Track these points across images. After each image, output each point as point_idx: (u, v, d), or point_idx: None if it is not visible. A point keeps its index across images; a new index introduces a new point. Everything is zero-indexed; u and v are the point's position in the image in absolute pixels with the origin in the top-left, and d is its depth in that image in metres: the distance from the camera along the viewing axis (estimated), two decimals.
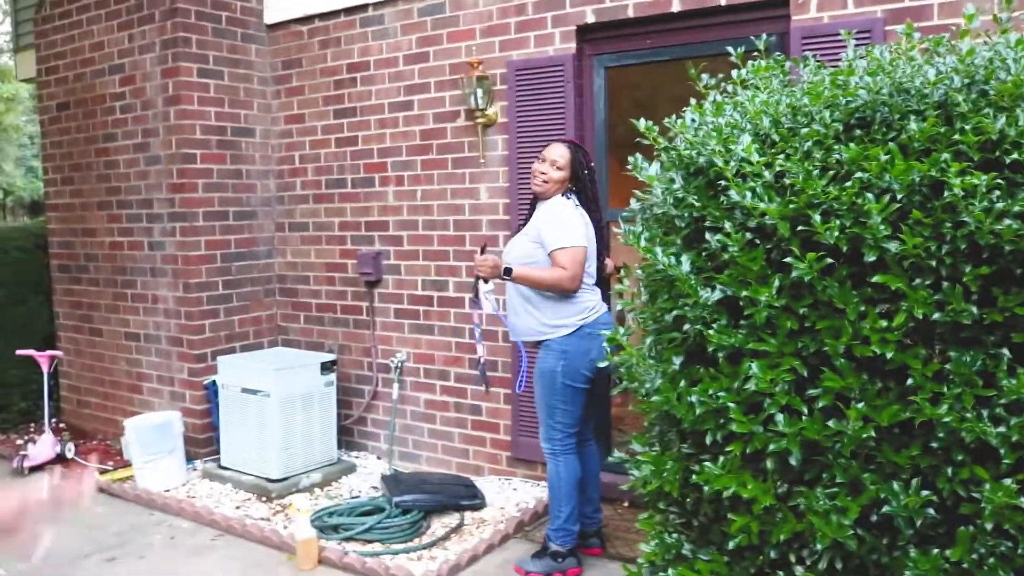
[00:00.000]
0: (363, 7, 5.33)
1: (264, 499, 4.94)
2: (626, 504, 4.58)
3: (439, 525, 4.39)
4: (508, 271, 3.68)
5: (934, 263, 1.83)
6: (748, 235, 2.04)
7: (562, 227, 3.72)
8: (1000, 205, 1.76)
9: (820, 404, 1.91)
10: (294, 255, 5.89)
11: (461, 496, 4.60)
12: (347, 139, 5.53)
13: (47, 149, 6.54)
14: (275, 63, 5.84)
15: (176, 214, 5.52)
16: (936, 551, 1.83)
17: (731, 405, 1.99)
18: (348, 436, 5.69)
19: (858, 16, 3.84)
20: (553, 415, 3.79)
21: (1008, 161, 1.84)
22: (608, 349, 2.35)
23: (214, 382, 5.46)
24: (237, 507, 4.83)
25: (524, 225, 3.95)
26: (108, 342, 6.17)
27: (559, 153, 3.82)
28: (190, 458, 5.49)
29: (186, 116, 5.43)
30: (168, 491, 5.09)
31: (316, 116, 5.67)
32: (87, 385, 6.42)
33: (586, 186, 3.88)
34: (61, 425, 6.56)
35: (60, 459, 5.70)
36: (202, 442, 5.62)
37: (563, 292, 3.70)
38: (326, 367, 5.27)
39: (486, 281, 3.84)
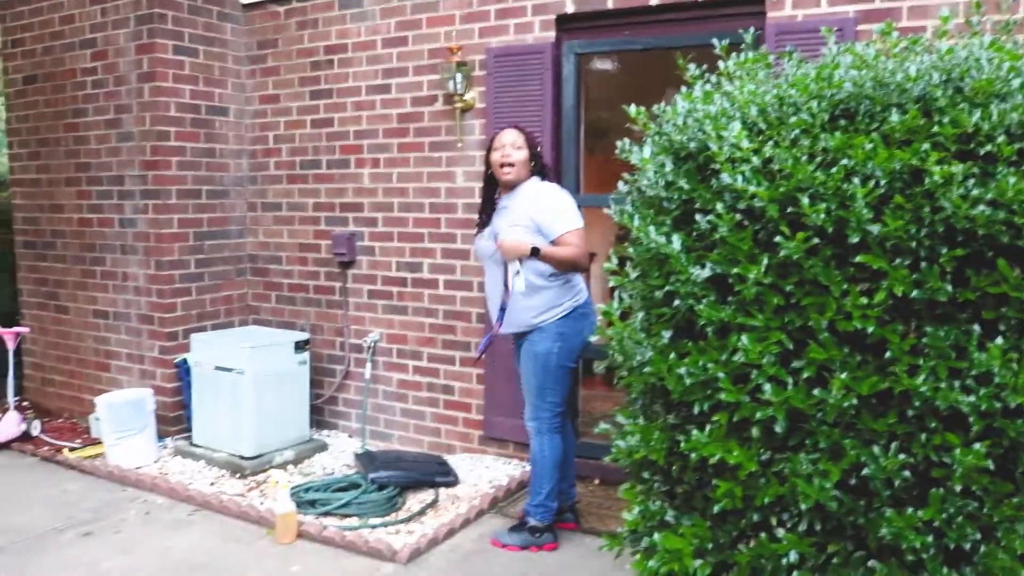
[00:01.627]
0: None
1: (238, 476, 4.99)
2: (597, 482, 4.71)
3: (415, 501, 4.49)
4: (536, 251, 3.66)
5: (913, 244, 1.97)
6: (737, 216, 2.17)
7: (562, 209, 3.79)
8: (975, 192, 1.91)
9: (805, 375, 2.04)
10: (266, 235, 5.92)
11: (435, 473, 4.69)
12: (323, 120, 5.57)
13: (12, 123, 6.46)
14: (251, 43, 5.86)
15: (149, 191, 5.52)
16: (910, 511, 1.97)
17: (720, 375, 2.12)
18: (320, 415, 5.75)
19: (831, 15, 3.99)
20: (544, 395, 3.87)
21: (982, 152, 1.99)
22: (599, 325, 2.46)
23: (186, 360, 5.47)
24: (211, 483, 4.87)
25: (486, 221, 3.95)
26: (75, 320, 6.14)
27: (511, 136, 3.87)
28: (161, 436, 5.50)
29: (161, 93, 5.42)
30: (140, 468, 5.11)
31: (291, 97, 5.70)
32: (52, 363, 6.38)
33: (545, 166, 3.97)
34: (24, 403, 6.50)
35: (26, 437, 5.68)
36: (172, 420, 5.64)
37: (577, 271, 3.84)
38: (300, 346, 5.32)
39: (520, 261, 3.75)
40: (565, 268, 3.79)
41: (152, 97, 5.43)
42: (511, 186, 3.89)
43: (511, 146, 3.84)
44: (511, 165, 3.83)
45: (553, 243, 3.74)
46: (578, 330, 3.85)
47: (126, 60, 5.55)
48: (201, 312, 5.76)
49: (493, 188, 3.99)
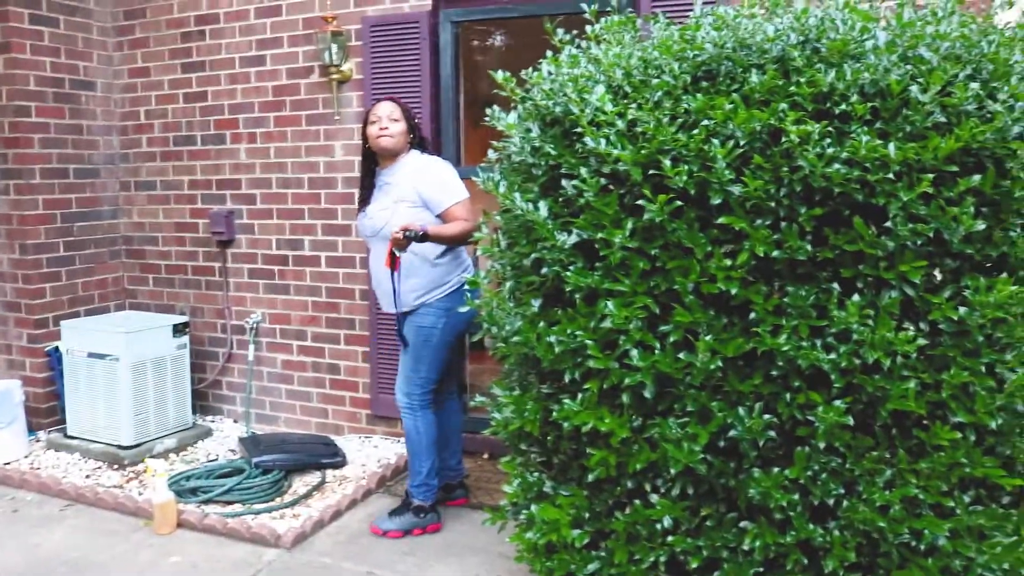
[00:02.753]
0: None
1: (116, 467, 4.77)
2: (486, 456, 4.68)
3: (300, 484, 4.37)
4: (424, 235, 3.46)
5: (773, 204, 1.97)
6: (602, 181, 2.14)
7: (448, 182, 3.71)
8: (831, 151, 1.92)
9: (672, 339, 2.03)
10: (141, 215, 5.66)
11: (322, 455, 4.58)
12: (196, 94, 5.34)
13: None
14: (116, 12, 5.55)
15: (10, 171, 5.20)
16: (776, 470, 1.99)
17: (589, 343, 2.09)
18: (203, 400, 5.55)
19: None
20: (419, 370, 3.77)
21: (837, 112, 2.00)
22: (469, 295, 2.41)
23: (57, 348, 5.21)
24: (87, 476, 4.65)
25: (366, 197, 3.82)
26: None
27: (387, 108, 3.75)
28: (32, 429, 5.22)
29: (17, 65, 5.10)
30: (8, 464, 4.84)
31: (162, 70, 5.44)
32: None
33: (423, 139, 3.87)
34: None
35: None
36: (44, 412, 5.36)
37: (467, 244, 3.75)
38: (178, 329, 5.11)
39: (399, 251, 3.56)
40: (456, 244, 3.71)
41: (8, 70, 5.10)
42: (391, 156, 3.76)
43: (387, 118, 3.71)
44: (389, 135, 3.70)
45: (439, 216, 3.64)
46: (454, 306, 3.72)
47: None
48: (73, 297, 5.48)
49: (372, 164, 3.85)
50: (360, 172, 3.94)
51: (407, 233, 3.44)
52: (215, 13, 5.20)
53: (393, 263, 3.57)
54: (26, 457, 4.97)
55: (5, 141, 5.18)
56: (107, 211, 5.65)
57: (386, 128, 3.70)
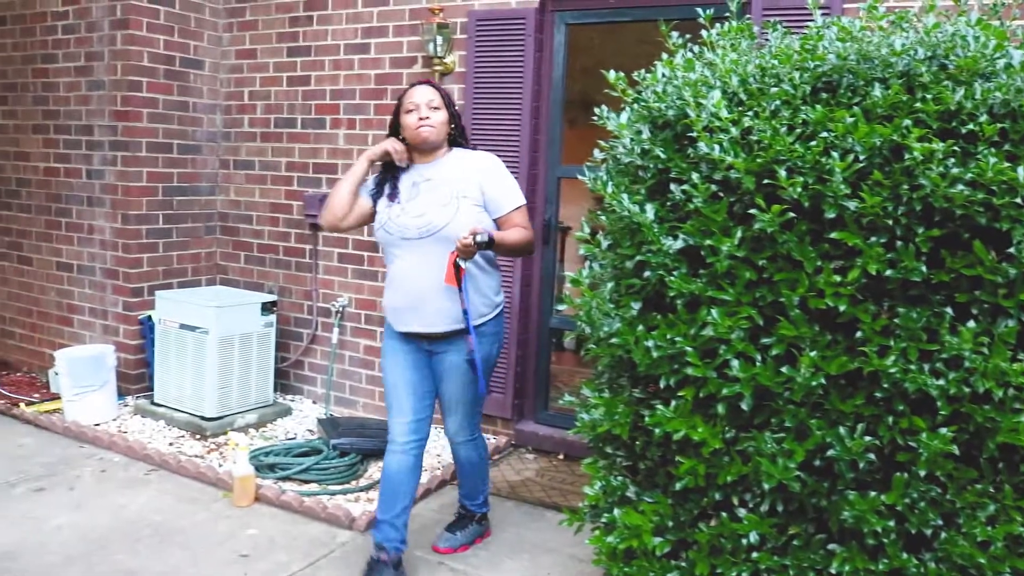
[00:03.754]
0: None
1: (198, 437, 4.91)
2: (561, 456, 4.68)
3: (376, 469, 4.43)
4: (490, 241, 3.05)
5: (890, 222, 1.92)
6: (713, 188, 2.11)
7: (513, 183, 3.32)
8: (955, 171, 1.86)
9: (773, 352, 2.00)
10: (238, 193, 5.80)
11: None
12: (299, 78, 5.45)
13: None
14: None
15: (118, 143, 5.38)
16: (873, 494, 1.94)
17: (688, 350, 2.07)
18: (284, 379, 5.67)
19: None
20: (479, 407, 3.47)
21: (964, 131, 1.94)
22: (567, 294, 2.40)
23: (150, 317, 5.37)
24: (170, 444, 4.79)
25: (393, 190, 3.28)
26: (38, 271, 6.00)
27: (427, 94, 3.26)
28: (121, 394, 5.40)
29: (133, 42, 5.27)
30: (98, 425, 5.01)
31: (268, 53, 5.57)
32: (12, 315, 6.24)
33: (463, 130, 3.43)
34: None
35: None
36: (134, 378, 5.54)
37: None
38: (266, 307, 5.23)
39: (464, 260, 3.10)
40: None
41: (124, 45, 5.28)
42: (430, 150, 3.29)
43: (427, 106, 3.22)
44: (431, 125, 3.22)
45: (499, 221, 3.25)
46: (503, 329, 3.47)
47: (99, 5, 5.38)
48: (168, 269, 5.65)
49: (395, 167, 3.36)
50: (382, 169, 3.41)
51: (478, 238, 3.00)
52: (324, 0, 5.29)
53: (457, 276, 3.09)
54: (114, 420, 5.14)
55: (116, 114, 5.37)
56: (205, 187, 5.81)
57: (427, 118, 3.22)
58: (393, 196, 3.27)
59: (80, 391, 5.04)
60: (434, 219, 3.15)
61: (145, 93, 5.37)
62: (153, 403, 5.24)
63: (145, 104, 5.38)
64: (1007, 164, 1.83)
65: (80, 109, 5.56)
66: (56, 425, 4.96)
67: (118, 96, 5.35)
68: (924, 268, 1.90)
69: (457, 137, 3.37)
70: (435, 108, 3.24)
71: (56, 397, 5.36)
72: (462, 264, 3.07)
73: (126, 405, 5.38)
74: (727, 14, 2.61)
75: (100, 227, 5.54)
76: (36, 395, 5.53)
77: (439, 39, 4.72)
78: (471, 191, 3.21)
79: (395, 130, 3.35)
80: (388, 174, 3.35)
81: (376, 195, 3.34)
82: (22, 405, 5.30)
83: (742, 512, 2.14)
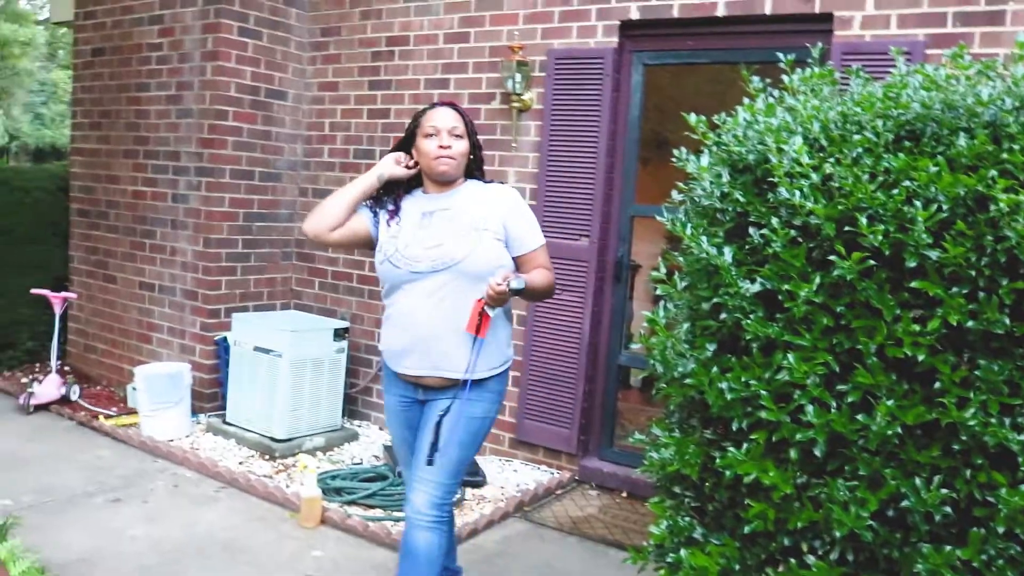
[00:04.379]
0: None
1: (267, 457, 5.01)
2: (624, 494, 4.66)
3: None
4: (520, 287, 2.73)
5: (973, 273, 1.90)
6: (792, 233, 2.12)
7: (533, 218, 3.03)
8: None
9: (849, 399, 1.99)
10: None
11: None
12: (379, 111, 5.59)
13: (77, 94, 6.59)
14: (314, 29, 5.90)
15: (203, 169, 5.58)
16: (948, 548, 1.91)
17: (763, 393, 2.07)
18: (353, 404, 5.76)
19: (901, 37, 3.91)
20: (461, 471, 2.96)
21: None
22: (643, 333, 2.42)
23: (225, 338, 5.52)
24: (240, 463, 4.90)
25: (393, 216, 2.94)
26: (121, 290, 6.23)
27: (451, 119, 2.92)
28: (195, 412, 5.56)
29: (222, 73, 5.48)
30: (172, 441, 5.16)
31: (350, 86, 5.73)
32: (95, 331, 6.48)
33: (481, 162, 3.07)
34: (66, 368, 6.61)
35: (65, 400, 5.76)
36: (207, 396, 5.69)
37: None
38: (339, 334, 5.34)
39: (492, 309, 2.77)
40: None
41: (214, 76, 5.50)
42: (444, 181, 2.95)
43: (449, 133, 2.89)
44: (451, 157, 2.89)
45: (521, 259, 2.93)
46: (506, 389, 3.06)
47: (191, 38, 5.61)
48: (245, 292, 5.81)
49: (398, 184, 3.02)
50: (384, 191, 3.03)
51: (512, 284, 2.69)
52: (406, 35, 5.44)
53: (480, 326, 2.74)
54: (187, 437, 5.29)
55: (202, 141, 5.57)
56: (284, 214, 5.97)
57: (448, 147, 2.88)
58: (392, 219, 2.95)
59: (156, 407, 5.20)
60: (452, 251, 2.83)
61: (231, 122, 5.57)
62: (225, 422, 5.37)
63: (230, 132, 5.57)
64: None
65: (169, 136, 5.78)
66: (132, 439, 5.12)
67: (205, 124, 5.56)
68: (1007, 320, 1.88)
69: (474, 169, 3.03)
70: (457, 136, 2.91)
71: (133, 412, 5.54)
72: (489, 312, 2.74)
73: (199, 423, 5.53)
74: (809, 59, 2.63)
75: (182, 249, 5.74)
76: (114, 409, 5.72)
77: (518, 76, 4.81)
78: (493, 224, 2.89)
79: (402, 149, 3.04)
80: (389, 195, 3.01)
81: (375, 219, 3.00)
82: (101, 417, 5.48)
83: (811, 559, 2.12)
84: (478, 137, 3.03)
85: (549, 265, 2.99)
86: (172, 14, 5.74)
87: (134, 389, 5.50)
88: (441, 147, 2.86)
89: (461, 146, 2.91)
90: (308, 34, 5.94)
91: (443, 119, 2.90)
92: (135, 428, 5.31)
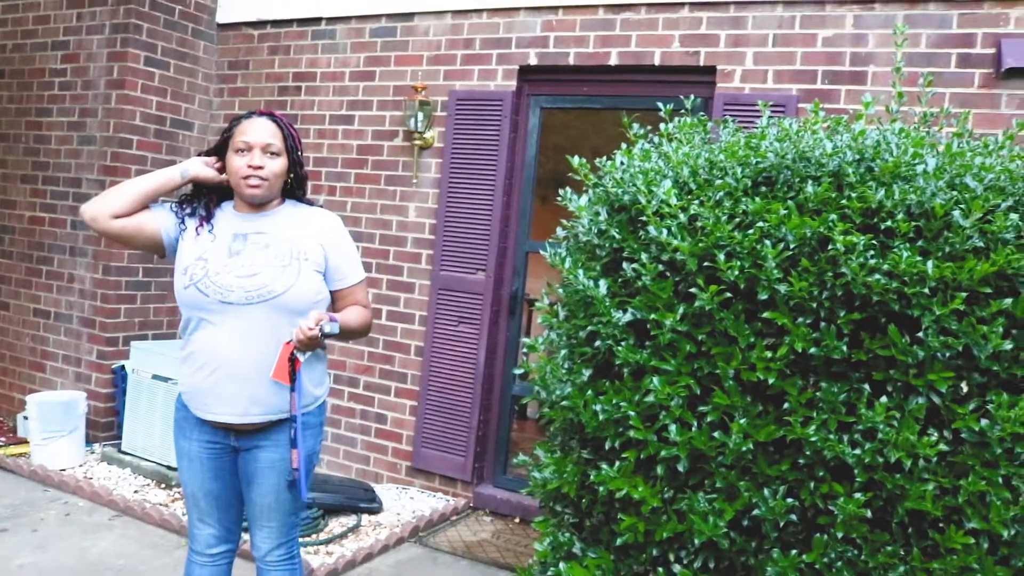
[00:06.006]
0: (317, 20, 5.52)
1: (163, 486, 4.99)
2: (517, 520, 4.80)
3: (337, 524, 4.53)
4: (334, 331, 2.54)
5: (815, 305, 2.13)
6: (660, 267, 2.32)
7: (355, 249, 2.82)
8: (873, 262, 2.08)
9: (708, 419, 2.19)
10: None
11: (360, 499, 4.74)
12: None
13: None
14: (222, 62, 5.97)
15: None
16: (794, 553, 2.11)
17: (631, 414, 2.25)
18: None
19: (776, 91, 4.22)
20: (300, 512, 2.90)
21: (883, 227, 2.17)
22: (524, 361, 2.59)
23: (123, 367, 5.48)
24: (135, 491, 4.87)
25: (204, 226, 2.63)
26: (14, 317, 6.11)
27: (267, 134, 2.60)
28: (90, 441, 5.49)
29: (127, 101, 5.50)
30: (65, 470, 5.08)
31: None
32: None
33: (303, 181, 2.76)
34: None
35: None
36: (103, 426, 5.62)
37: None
38: None
39: (303, 353, 2.55)
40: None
41: (118, 104, 5.51)
42: (257, 205, 2.66)
43: (263, 151, 2.58)
44: (262, 178, 2.58)
45: (339, 293, 2.73)
46: (324, 420, 2.91)
47: (97, 65, 5.62)
48: (144, 321, 5.78)
49: (210, 190, 2.71)
50: (192, 198, 2.71)
51: (325, 328, 2.51)
52: (313, 72, 5.56)
53: (292, 371, 2.53)
54: (81, 466, 5.22)
55: (105, 169, 5.56)
56: None
57: (259, 168, 2.57)
58: (203, 226, 2.63)
59: (49, 436, 5.12)
60: (270, 283, 2.55)
61: (135, 151, 5.58)
62: (120, 451, 5.32)
63: (134, 161, 5.58)
64: (919, 258, 2.06)
65: (70, 162, 5.75)
66: (23, 468, 5.03)
67: (108, 152, 5.55)
68: (845, 348, 2.10)
69: (295, 189, 2.74)
70: (273, 154, 2.60)
71: (24, 441, 5.44)
72: (300, 357, 2.53)
73: (93, 452, 5.46)
74: (683, 110, 2.87)
75: (80, 276, 5.69)
76: (2, 439, 5.59)
77: (420, 115, 4.98)
78: (313, 254, 2.64)
79: (215, 152, 2.72)
80: (199, 200, 2.70)
81: (180, 226, 2.67)
82: None
83: (677, 568, 2.30)
84: (300, 154, 2.71)
85: (367, 302, 2.84)
86: (77, 40, 5.74)
87: (25, 418, 5.40)
88: (251, 167, 2.56)
89: (276, 165, 2.60)
90: (216, 66, 6.00)
91: (257, 134, 2.58)
92: (25, 458, 5.22)
